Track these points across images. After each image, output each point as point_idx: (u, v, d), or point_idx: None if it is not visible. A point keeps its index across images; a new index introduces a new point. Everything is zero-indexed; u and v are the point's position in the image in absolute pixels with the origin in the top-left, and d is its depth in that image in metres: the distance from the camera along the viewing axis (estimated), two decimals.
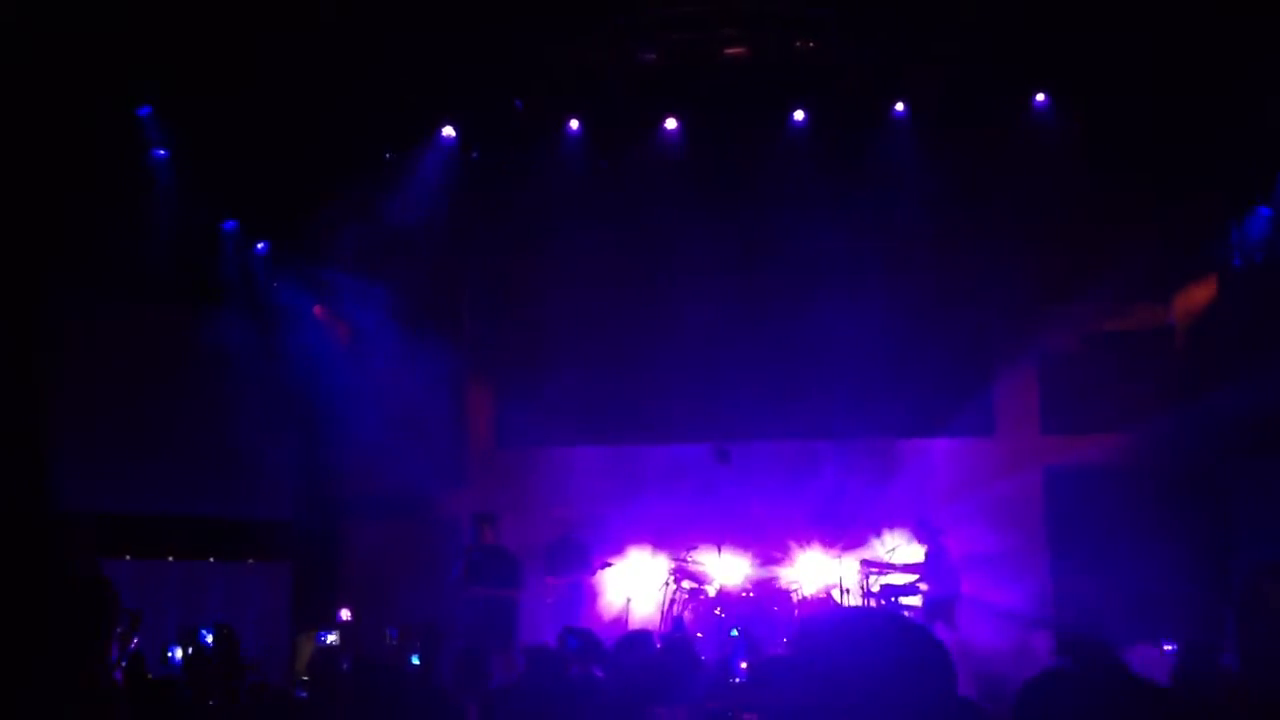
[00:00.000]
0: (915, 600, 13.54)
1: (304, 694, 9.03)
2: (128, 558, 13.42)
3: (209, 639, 10.48)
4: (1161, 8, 11.69)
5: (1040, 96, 13.49)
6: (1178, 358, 14.27)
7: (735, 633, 12.51)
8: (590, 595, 14.42)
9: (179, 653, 11.67)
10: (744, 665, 11.79)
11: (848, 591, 13.80)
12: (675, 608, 13.87)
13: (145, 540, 13.60)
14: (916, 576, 13.49)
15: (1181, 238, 13.98)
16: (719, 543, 13.96)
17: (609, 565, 14.52)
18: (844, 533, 14.21)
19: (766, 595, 13.70)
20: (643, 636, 7.71)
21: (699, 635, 12.90)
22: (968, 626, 13.15)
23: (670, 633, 11.78)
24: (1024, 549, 14.29)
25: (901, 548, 14.02)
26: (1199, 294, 14.33)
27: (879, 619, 2.35)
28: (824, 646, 2.18)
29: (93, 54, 11.47)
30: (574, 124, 14.22)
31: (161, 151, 13.25)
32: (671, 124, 14.19)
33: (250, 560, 14.64)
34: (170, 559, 13.87)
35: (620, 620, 13.99)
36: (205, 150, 13.04)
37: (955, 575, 13.26)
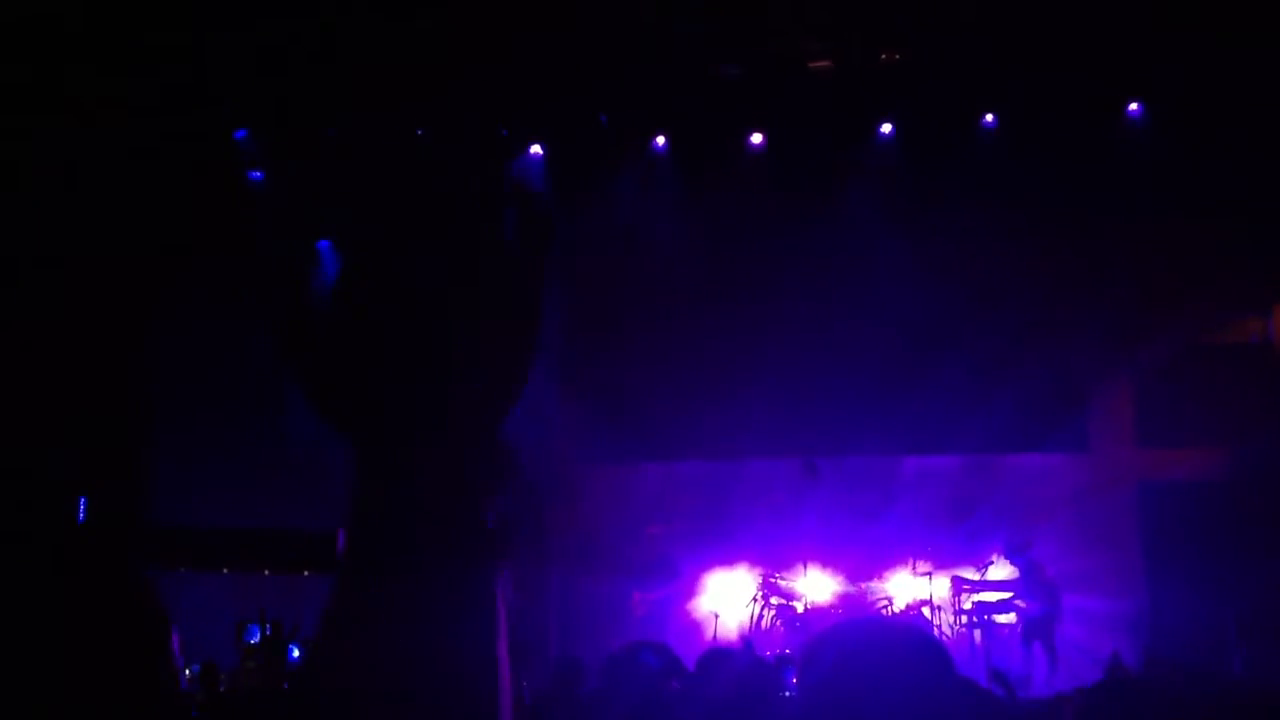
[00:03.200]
0: (1010, 618, 13.32)
1: None
2: (225, 571, 13.67)
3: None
4: (1258, 13, 11.43)
5: (1133, 105, 13.26)
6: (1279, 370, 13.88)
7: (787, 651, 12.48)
8: (678, 610, 14.41)
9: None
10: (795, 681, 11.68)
11: (939, 609, 13.63)
12: (762, 624, 13.81)
13: (242, 554, 13.85)
14: (1010, 594, 13.27)
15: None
16: (806, 558, 13.88)
17: (700, 581, 14.52)
18: (935, 549, 14.02)
19: (856, 612, 13.56)
20: (725, 653, 7.67)
21: (786, 652, 12.81)
22: (1065, 646, 12.93)
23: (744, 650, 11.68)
24: (1120, 567, 13.98)
25: (995, 566, 13.80)
26: None
27: (874, 627, 2.48)
28: (823, 658, 2.33)
29: (191, 78, 11.78)
30: (659, 139, 14.28)
31: (257, 174, 13.55)
32: (757, 138, 14.18)
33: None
34: (266, 572, 14.08)
35: (708, 636, 13.95)
36: (299, 171, 13.31)
37: (1052, 592, 13.02)
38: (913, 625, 2.47)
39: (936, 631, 13.32)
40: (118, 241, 11.99)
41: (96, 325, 12.23)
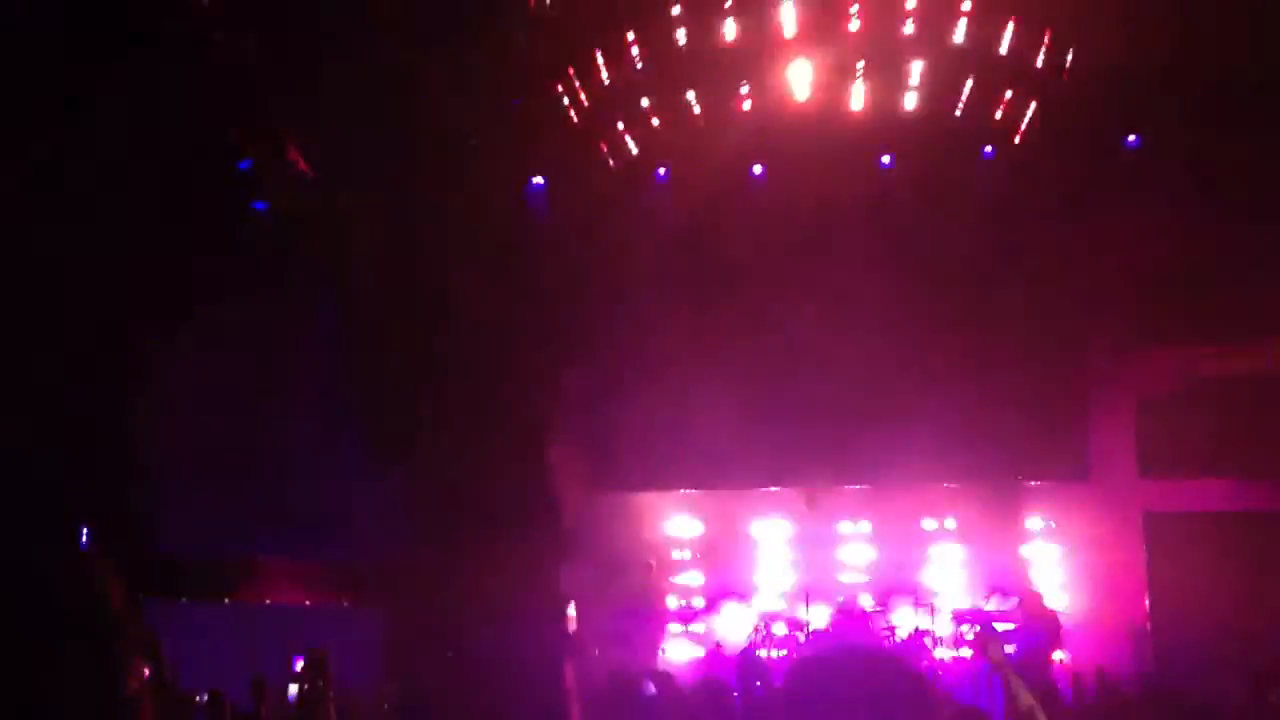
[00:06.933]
0: (1009, 649, 13.30)
1: None
2: (227, 600, 13.68)
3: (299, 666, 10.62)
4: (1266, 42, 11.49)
5: (1132, 137, 13.35)
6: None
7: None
8: (677, 639, 14.44)
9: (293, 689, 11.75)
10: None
11: (940, 640, 13.62)
12: (764, 652, 13.82)
13: (242, 582, 13.86)
14: (1011, 625, 13.27)
15: None
16: (808, 588, 13.90)
17: (704, 609, 14.59)
18: (937, 579, 14.02)
19: (856, 640, 13.56)
20: (720, 683, 7.75)
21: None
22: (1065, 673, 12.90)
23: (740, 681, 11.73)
24: (1124, 595, 13.96)
25: (995, 598, 13.81)
26: None
27: (859, 652, 2.61)
28: (808, 679, 2.44)
29: (199, 109, 11.84)
30: (660, 171, 14.39)
31: (261, 204, 13.59)
32: (757, 169, 14.28)
33: (346, 603, 14.81)
34: (268, 601, 14.08)
35: (709, 664, 13.94)
36: (304, 203, 13.38)
37: (1050, 624, 13.02)
38: (893, 655, 2.57)
39: (930, 661, 13.33)
40: (117, 278, 11.97)
41: (105, 353, 12.26)
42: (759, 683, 12.07)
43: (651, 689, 8.51)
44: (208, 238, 12.60)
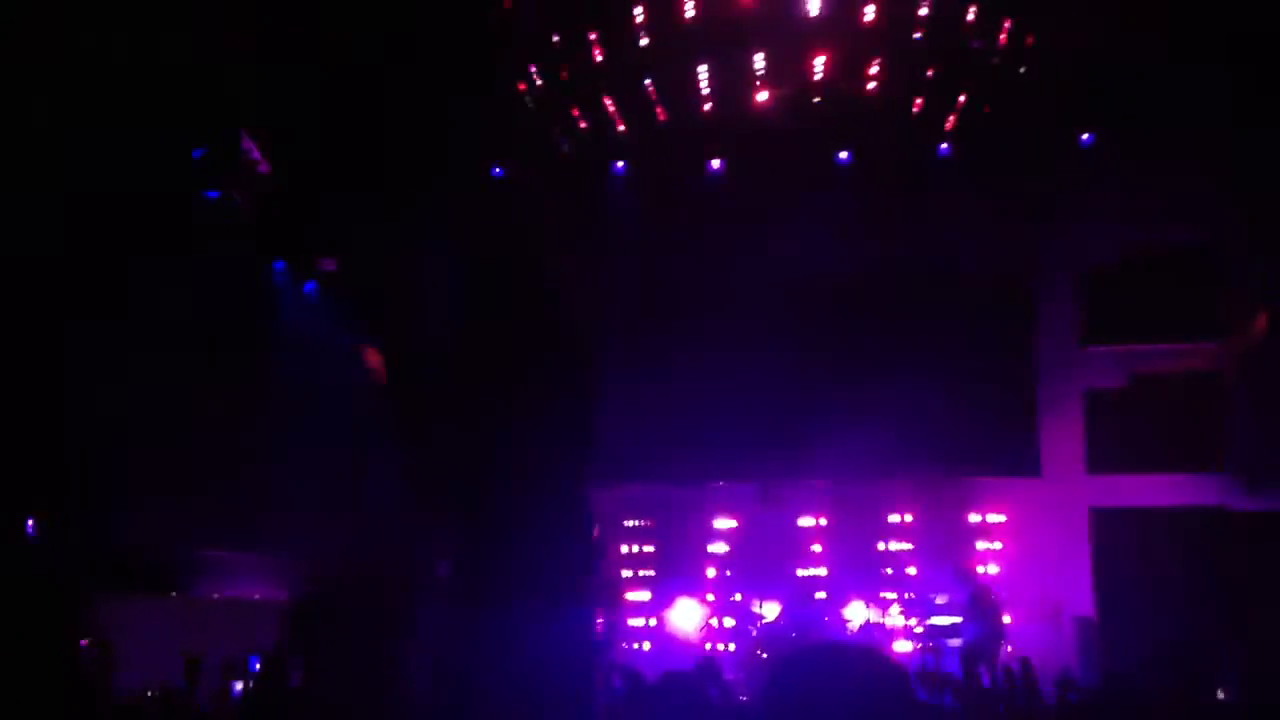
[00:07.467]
0: (957, 641, 13.42)
1: None
2: (174, 595, 13.50)
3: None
4: (1211, 43, 11.64)
5: (1085, 135, 13.49)
6: (1229, 397, 14.07)
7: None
8: (620, 632, 14.43)
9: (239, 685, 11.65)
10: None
11: (891, 632, 13.72)
12: (719, 645, 13.86)
13: (195, 578, 13.69)
14: (959, 619, 13.37)
15: (1232, 276, 13.85)
16: (761, 583, 13.93)
17: (659, 602, 14.59)
18: (888, 574, 14.11)
19: (808, 635, 13.62)
20: (681, 677, 7.71)
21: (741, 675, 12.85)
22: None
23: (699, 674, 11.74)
24: (1070, 591, 14.12)
25: (944, 592, 13.91)
26: (1251, 333, 14.12)
27: (841, 650, 2.61)
28: (791, 674, 2.43)
29: (152, 96, 11.66)
30: (619, 164, 14.36)
31: (213, 193, 13.39)
32: (716, 164, 14.28)
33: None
34: (215, 596, 13.92)
35: (667, 657, 13.95)
36: (255, 190, 13.22)
37: (996, 617, 13.11)
38: (871, 649, 2.57)
39: (889, 654, 13.38)
40: (62, 273, 11.72)
41: (56, 347, 12.04)
42: (714, 678, 12.09)
43: (618, 684, 8.52)
44: (161, 230, 12.41)
